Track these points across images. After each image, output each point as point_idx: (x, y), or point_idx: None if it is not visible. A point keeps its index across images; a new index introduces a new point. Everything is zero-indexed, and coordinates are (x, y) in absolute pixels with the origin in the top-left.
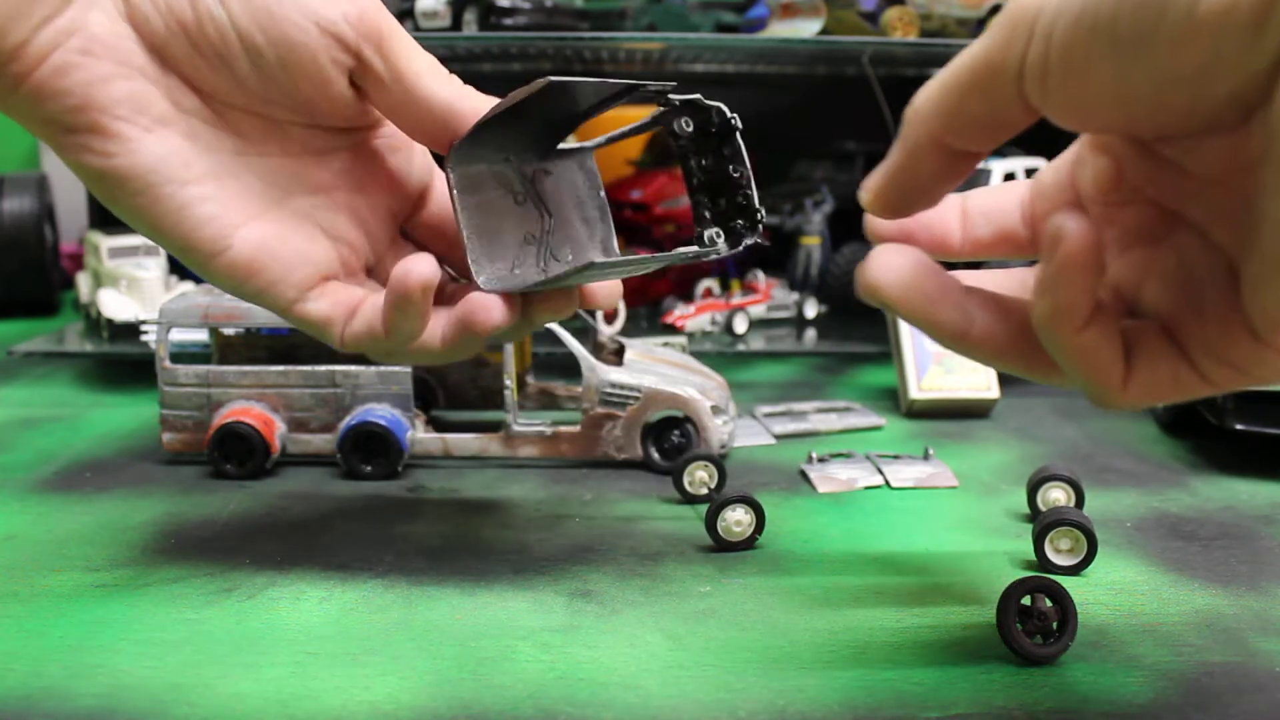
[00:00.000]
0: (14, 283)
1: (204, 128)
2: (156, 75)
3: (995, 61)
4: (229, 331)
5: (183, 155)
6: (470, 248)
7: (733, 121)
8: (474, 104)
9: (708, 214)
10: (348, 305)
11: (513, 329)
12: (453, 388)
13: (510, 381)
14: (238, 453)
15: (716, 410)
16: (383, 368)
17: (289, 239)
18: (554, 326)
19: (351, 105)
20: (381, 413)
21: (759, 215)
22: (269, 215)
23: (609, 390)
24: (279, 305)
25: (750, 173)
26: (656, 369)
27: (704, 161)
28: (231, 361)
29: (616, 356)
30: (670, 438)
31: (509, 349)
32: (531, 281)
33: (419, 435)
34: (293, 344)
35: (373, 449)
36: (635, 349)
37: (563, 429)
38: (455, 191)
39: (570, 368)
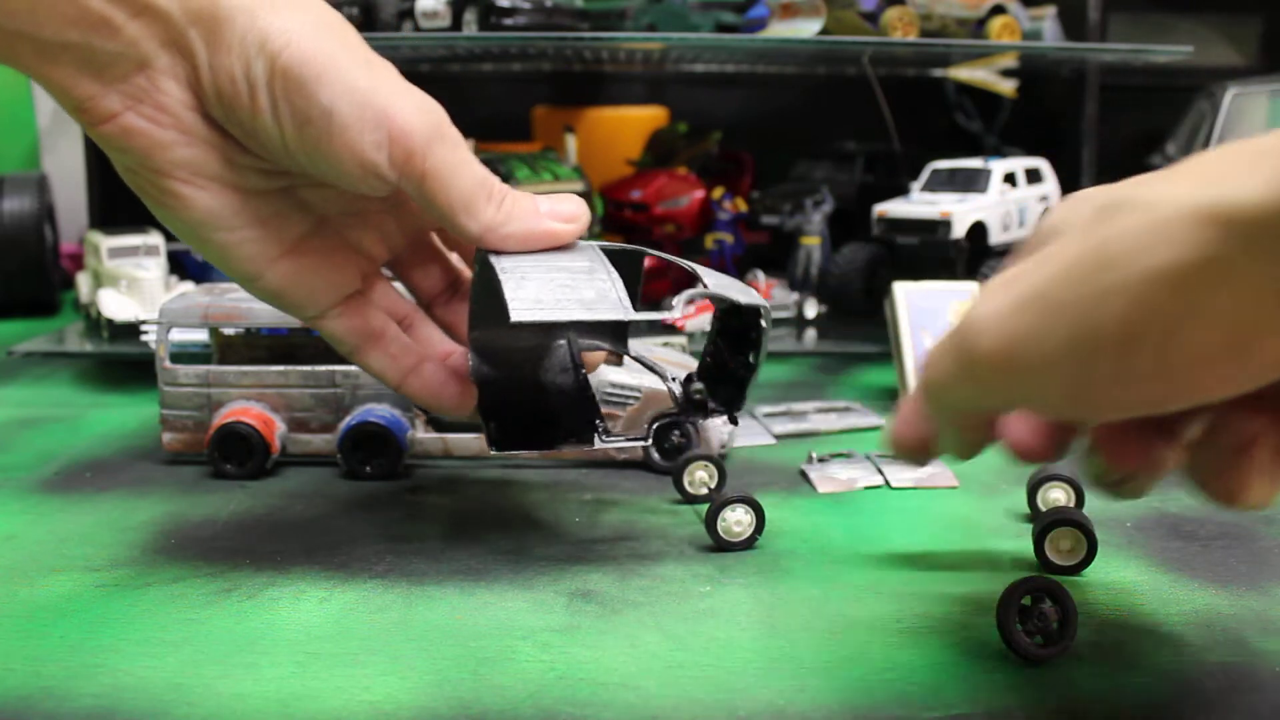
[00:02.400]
0: (14, 283)
1: (256, 177)
2: (216, 141)
3: (994, 406)
4: (229, 331)
5: (231, 206)
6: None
7: (763, 320)
8: (510, 233)
9: (707, 370)
10: (364, 331)
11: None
12: None
13: None
14: (238, 453)
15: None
16: None
17: (318, 269)
18: None
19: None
20: (381, 413)
21: (741, 404)
22: (304, 247)
23: (609, 390)
24: (303, 319)
25: (758, 365)
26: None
27: (728, 339)
28: (231, 361)
29: (616, 356)
30: (670, 438)
31: None
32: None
33: (419, 435)
34: (293, 344)
35: (373, 449)
36: (635, 349)
37: None
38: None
39: None
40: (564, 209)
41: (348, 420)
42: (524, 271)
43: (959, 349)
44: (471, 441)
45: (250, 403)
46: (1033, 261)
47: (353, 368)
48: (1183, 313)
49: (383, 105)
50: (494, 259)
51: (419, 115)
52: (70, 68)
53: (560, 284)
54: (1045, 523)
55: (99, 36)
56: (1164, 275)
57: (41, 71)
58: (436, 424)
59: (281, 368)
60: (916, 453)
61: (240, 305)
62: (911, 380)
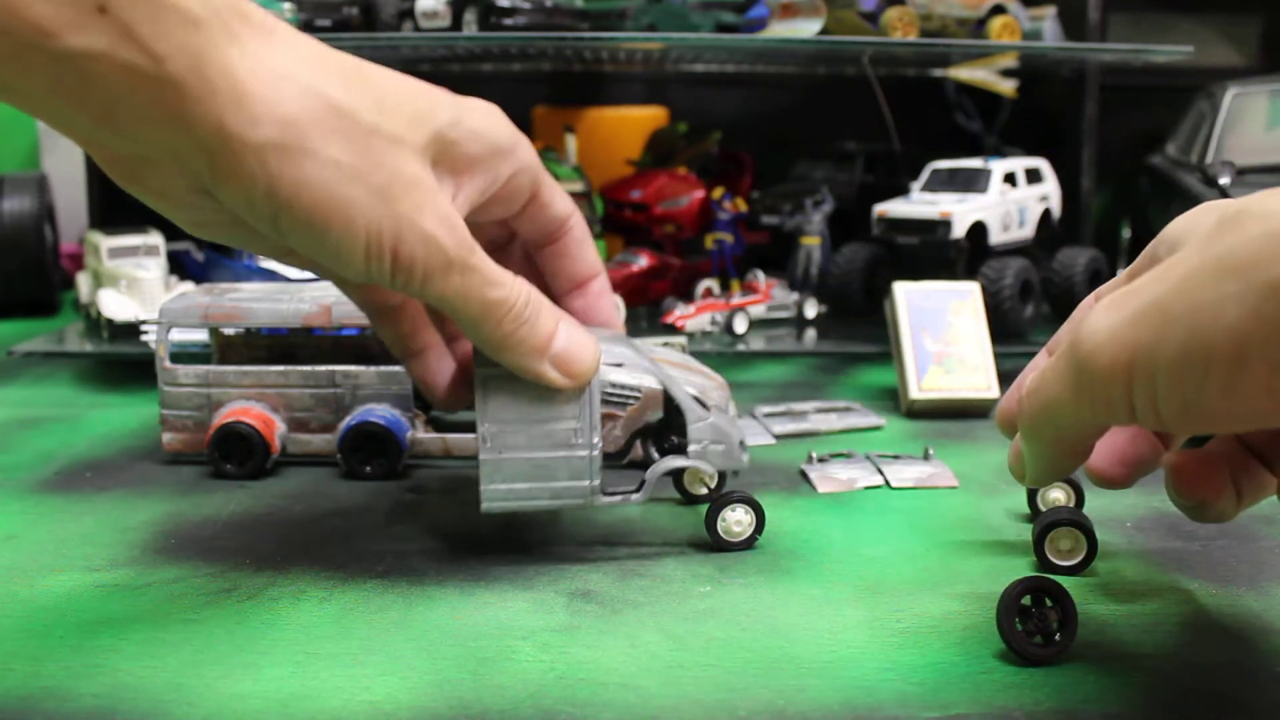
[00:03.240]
0: (14, 283)
1: None
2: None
3: (1104, 419)
4: (229, 331)
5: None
6: None
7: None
8: (506, 361)
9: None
10: (377, 304)
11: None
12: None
13: None
14: (238, 453)
15: (717, 410)
16: (382, 367)
17: None
18: None
19: None
20: (381, 413)
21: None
22: None
23: (609, 390)
24: (320, 276)
25: None
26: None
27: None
28: (231, 361)
29: None
30: (670, 438)
31: None
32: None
33: (419, 435)
34: (292, 344)
35: (373, 449)
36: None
37: None
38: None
39: None
40: (575, 360)
41: (348, 420)
42: (505, 433)
43: (1075, 366)
44: (471, 442)
45: (250, 403)
46: (1152, 275)
47: (353, 367)
48: None
49: (390, 243)
50: (480, 391)
51: (424, 248)
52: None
53: (538, 462)
54: (1045, 523)
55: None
56: None
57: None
58: (437, 424)
59: (281, 368)
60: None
61: (240, 305)
62: (912, 380)
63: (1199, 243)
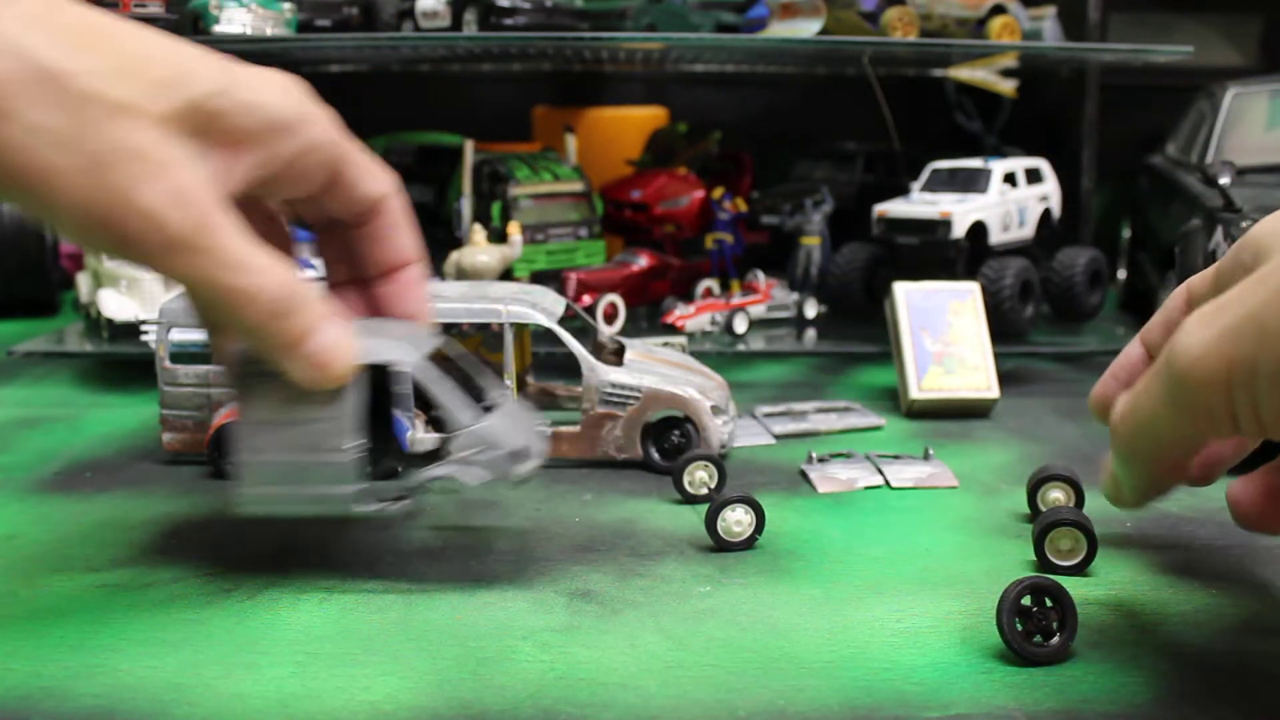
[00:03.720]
0: (14, 283)
1: None
2: None
3: (1205, 433)
4: None
5: None
6: None
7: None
8: (265, 346)
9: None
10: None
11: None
12: None
13: (510, 381)
14: None
15: (716, 410)
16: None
17: None
18: (555, 326)
19: None
20: None
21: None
22: None
23: (609, 390)
24: None
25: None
26: (656, 369)
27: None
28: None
29: (616, 356)
30: (670, 438)
31: (509, 348)
32: None
33: (419, 435)
34: None
35: (372, 449)
36: (635, 349)
37: (563, 429)
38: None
39: (570, 368)
40: (329, 361)
41: None
42: (260, 434)
43: (1173, 382)
44: None
45: None
46: (1245, 287)
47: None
48: None
49: (100, 216)
50: (237, 389)
51: (140, 223)
52: None
53: (295, 465)
54: (1045, 523)
55: None
56: None
57: None
58: (436, 424)
59: None
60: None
61: None
62: (911, 380)
63: None
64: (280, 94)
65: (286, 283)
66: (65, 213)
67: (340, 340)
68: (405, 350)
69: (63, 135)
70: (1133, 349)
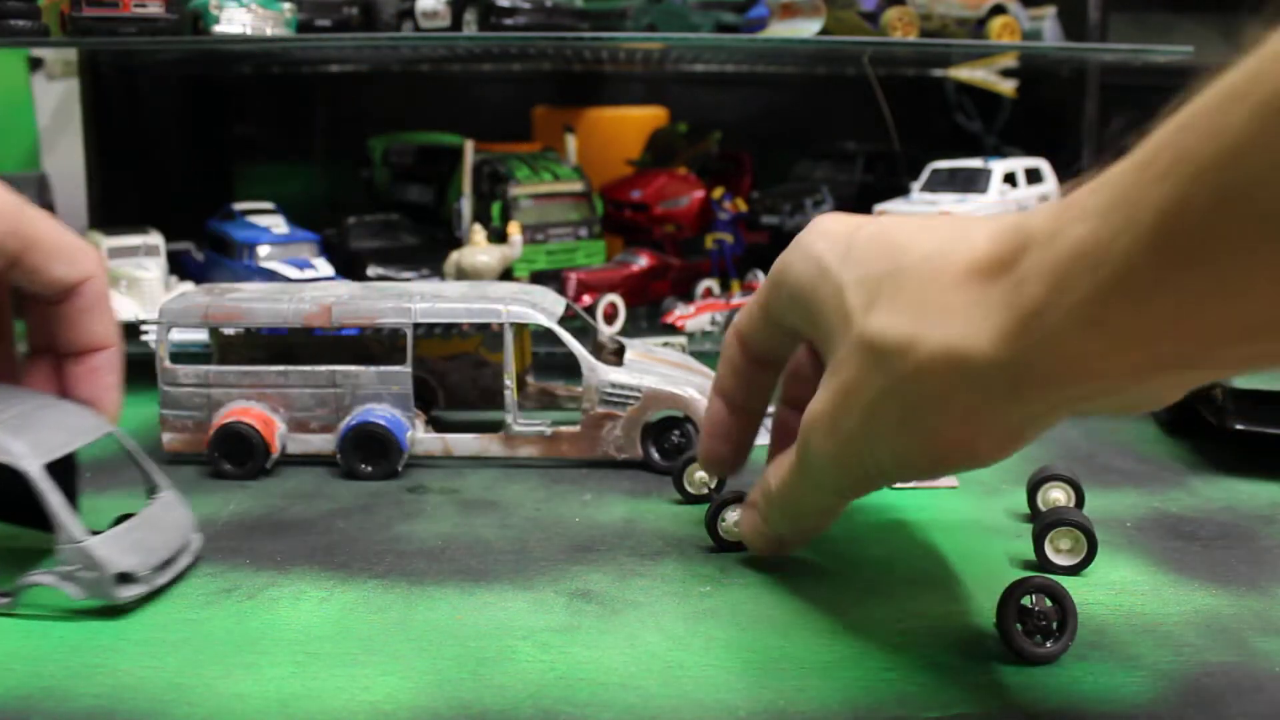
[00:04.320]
0: None
1: None
2: None
3: (844, 504)
4: (228, 332)
5: None
6: None
7: None
8: None
9: None
10: None
11: None
12: (452, 388)
13: (510, 381)
14: (237, 453)
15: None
16: (383, 367)
17: None
18: (554, 326)
19: None
20: (381, 413)
21: None
22: None
23: (609, 390)
24: None
25: None
26: (656, 369)
27: None
28: (231, 361)
29: (616, 357)
30: (670, 438)
31: (509, 348)
32: None
33: (419, 435)
34: (292, 344)
35: (372, 449)
36: (635, 349)
37: (563, 429)
38: None
39: (570, 368)
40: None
41: (348, 420)
42: None
43: (812, 480)
44: (471, 442)
45: (250, 403)
46: (837, 403)
47: (352, 368)
48: (967, 431)
49: None
50: None
51: None
52: None
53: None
54: (1045, 523)
55: None
56: (944, 413)
57: None
58: (437, 424)
59: (281, 368)
60: None
61: (240, 305)
62: None
63: (861, 371)
64: None
65: None
66: None
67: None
68: (26, 448)
69: None
70: (715, 406)
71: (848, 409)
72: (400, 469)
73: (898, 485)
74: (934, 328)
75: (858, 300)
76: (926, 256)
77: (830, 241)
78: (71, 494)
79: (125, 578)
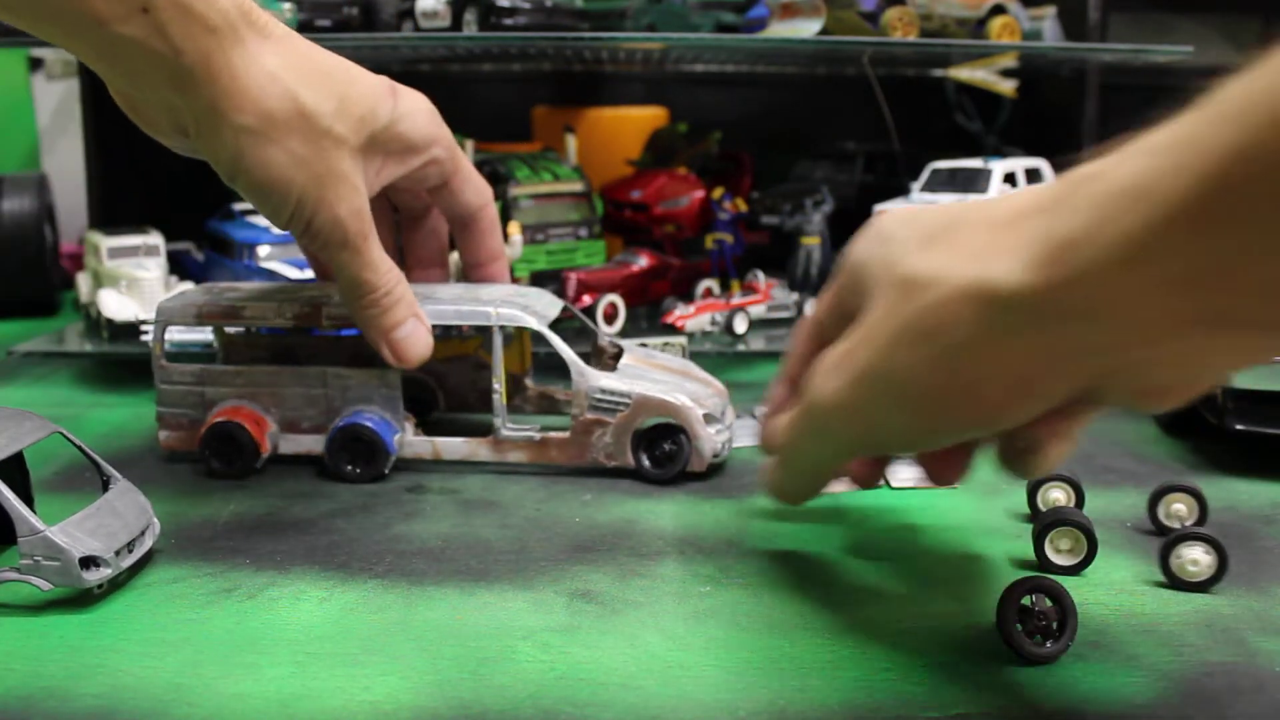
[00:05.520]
0: (14, 283)
1: None
2: None
3: (846, 456)
4: (231, 330)
5: None
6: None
7: None
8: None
9: None
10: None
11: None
12: (452, 390)
13: (499, 385)
14: (227, 452)
15: (710, 419)
16: (373, 368)
17: None
18: (544, 330)
19: None
20: (370, 415)
21: None
22: None
23: (598, 396)
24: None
25: None
26: (650, 375)
27: None
28: (235, 360)
29: (615, 361)
30: (663, 446)
31: (498, 351)
32: None
33: (409, 438)
34: (292, 344)
35: (360, 451)
36: (634, 354)
37: (552, 434)
38: None
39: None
40: (407, 350)
41: (336, 422)
42: None
43: (814, 420)
44: (460, 445)
45: (243, 402)
46: (860, 339)
47: (343, 369)
48: (979, 373)
49: (309, 216)
50: None
51: (331, 227)
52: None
53: None
54: (1045, 523)
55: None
56: (957, 348)
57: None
58: (430, 427)
59: (273, 368)
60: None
61: (234, 304)
62: None
63: (889, 305)
64: (423, 120)
65: (396, 285)
66: (287, 209)
67: (421, 337)
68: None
69: (304, 159)
70: (780, 390)
71: (866, 341)
72: (387, 471)
73: (896, 485)
74: (968, 262)
75: (902, 250)
76: (981, 205)
77: (893, 217)
78: (28, 498)
79: (90, 562)
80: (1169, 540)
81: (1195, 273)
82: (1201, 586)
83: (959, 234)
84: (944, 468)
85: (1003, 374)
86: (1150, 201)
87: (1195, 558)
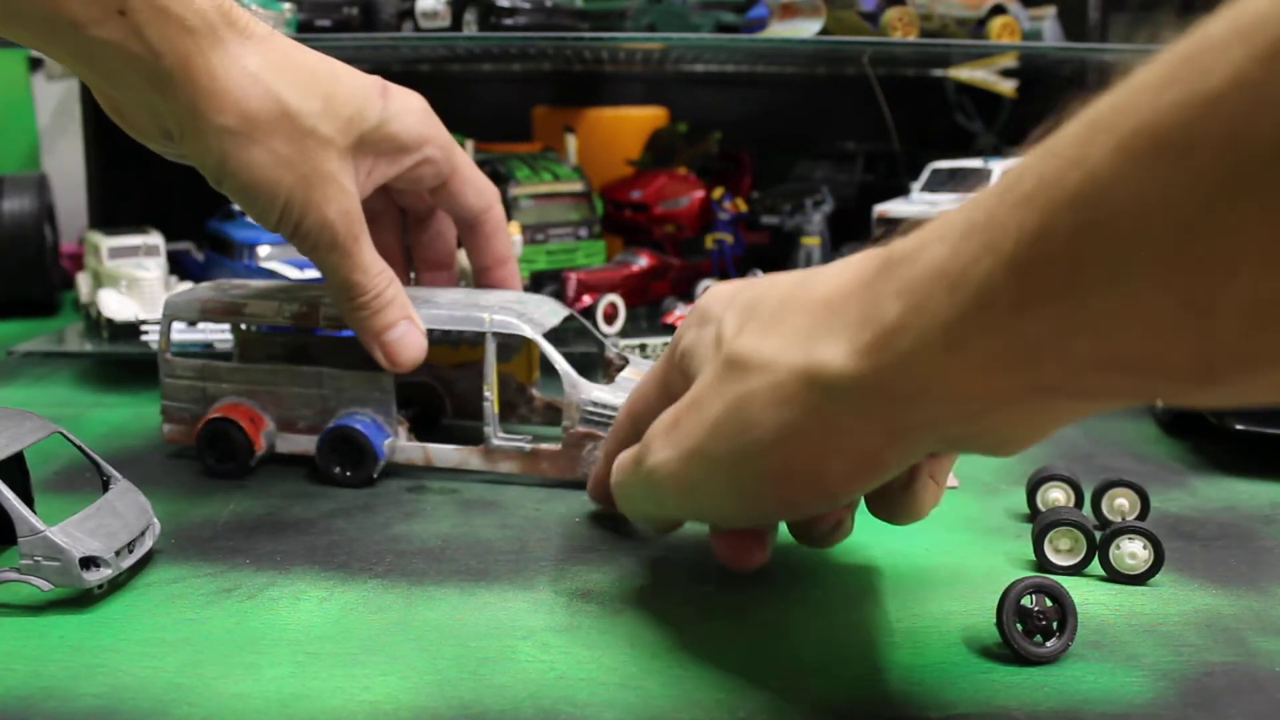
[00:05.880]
0: (14, 283)
1: None
2: None
3: (677, 520)
4: (245, 328)
5: None
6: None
7: None
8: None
9: None
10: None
11: None
12: (460, 396)
13: (489, 392)
14: (221, 449)
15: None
16: (366, 371)
17: None
18: (538, 339)
19: None
20: (362, 418)
21: None
22: None
23: (589, 409)
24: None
25: None
26: None
27: None
28: (252, 358)
29: (620, 373)
30: None
31: (490, 358)
32: None
33: (400, 443)
34: (305, 343)
35: (349, 454)
36: (637, 366)
37: (543, 446)
38: None
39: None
40: (400, 352)
41: (329, 423)
42: None
43: (646, 486)
44: (451, 453)
45: (241, 399)
46: (689, 411)
47: (338, 370)
48: (817, 451)
49: (297, 218)
50: None
51: (319, 229)
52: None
53: None
54: (1045, 523)
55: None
56: (792, 431)
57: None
58: (419, 432)
59: (271, 366)
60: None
61: (236, 301)
62: None
63: (718, 384)
64: (414, 120)
65: (388, 287)
66: (274, 212)
67: (414, 339)
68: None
69: (289, 159)
70: (603, 468)
71: (698, 418)
72: (376, 476)
73: None
74: (797, 345)
75: (730, 329)
76: (802, 283)
77: (717, 296)
78: (28, 498)
79: (90, 562)
80: (1108, 534)
81: (1014, 351)
82: (1138, 580)
83: (785, 315)
84: (740, 550)
85: (842, 451)
86: (958, 290)
87: (1134, 551)
